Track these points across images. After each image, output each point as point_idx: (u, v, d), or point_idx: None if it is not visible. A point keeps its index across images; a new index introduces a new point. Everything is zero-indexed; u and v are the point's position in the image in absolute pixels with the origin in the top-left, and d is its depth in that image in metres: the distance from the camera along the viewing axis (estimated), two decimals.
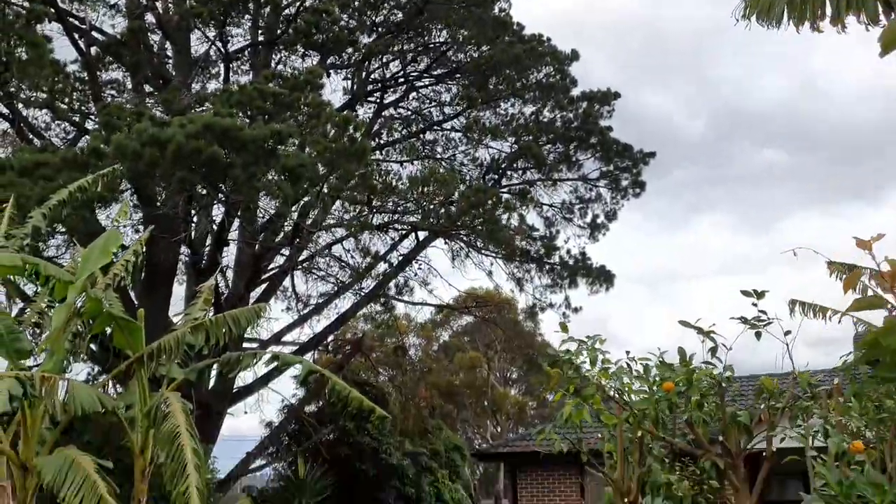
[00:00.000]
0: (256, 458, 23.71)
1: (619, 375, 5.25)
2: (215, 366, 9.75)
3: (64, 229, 15.43)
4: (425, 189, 19.64)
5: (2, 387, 6.40)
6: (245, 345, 19.48)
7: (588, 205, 23.70)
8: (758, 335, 5.18)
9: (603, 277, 22.85)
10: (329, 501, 20.51)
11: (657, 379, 5.12)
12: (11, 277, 11.18)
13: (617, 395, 5.39)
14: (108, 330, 9.10)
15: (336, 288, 24.42)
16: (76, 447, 8.12)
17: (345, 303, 24.28)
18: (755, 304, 5.19)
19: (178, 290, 21.62)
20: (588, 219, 23.77)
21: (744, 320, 5.16)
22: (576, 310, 23.77)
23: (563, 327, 6.00)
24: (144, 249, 18.07)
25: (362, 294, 23.75)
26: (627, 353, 5.44)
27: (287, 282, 24.04)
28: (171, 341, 8.52)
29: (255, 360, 9.20)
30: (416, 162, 23.24)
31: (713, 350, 5.13)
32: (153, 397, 8.49)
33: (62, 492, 7.12)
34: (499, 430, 45.95)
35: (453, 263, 24.60)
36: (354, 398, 9.17)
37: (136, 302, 17.54)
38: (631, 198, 23.34)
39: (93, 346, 18.48)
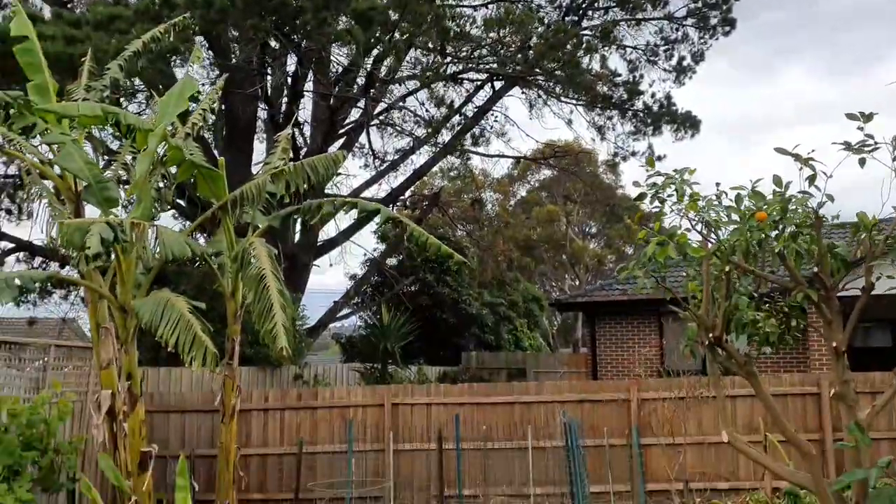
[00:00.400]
0: (343, 307, 24.68)
1: (708, 208, 4.99)
2: (299, 218, 9.90)
3: (142, 83, 15.55)
4: (501, 32, 18.77)
5: (94, 230, 6.63)
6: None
7: (674, 46, 22.33)
8: (861, 162, 4.79)
9: (688, 123, 21.92)
10: (412, 346, 21.35)
11: (749, 209, 4.84)
12: (96, 133, 11.45)
13: (705, 229, 5.15)
14: (192, 181, 9.28)
15: (412, 143, 24.29)
16: None
17: (421, 158, 24.23)
18: (861, 128, 4.77)
19: (260, 147, 21.96)
20: (674, 61, 22.48)
21: (847, 145, 4.77)
22: (659, 158, 23.03)
23: (650, 161, 5.72)
24: (221, 99, 18.17)
25: (438, 147, 23.56)
26: (717, 184, 5.14)
27: (363, 138, 24.03)
28: (252, 189, 8.63)
29: (334, 207, 9.27)
30: (490, 5, 22.14)
31: (811, 178, 4.78)
32: (239, 243, 8.72)
33: (159, 330, 7.50)
34: (577, 283, 46.31)
35: (531, 113, 23.97)
36: (432, 244, 9.23)
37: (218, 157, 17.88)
38: (720, 37, 21.83)
39: (180, 202, 19.14)
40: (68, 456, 8.17)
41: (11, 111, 7.74)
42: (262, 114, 21.01)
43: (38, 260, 20.39)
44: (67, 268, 16.30)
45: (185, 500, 8.09)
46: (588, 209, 44.52)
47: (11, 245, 20.54)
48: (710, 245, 5.15)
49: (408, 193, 26.82)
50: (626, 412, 11.92)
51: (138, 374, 8.32)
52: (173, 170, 8.99)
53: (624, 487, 11.06)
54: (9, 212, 20.42)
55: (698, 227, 5.18)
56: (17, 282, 7.28)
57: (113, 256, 8.07)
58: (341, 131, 21.25)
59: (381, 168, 24.60)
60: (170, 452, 10.90)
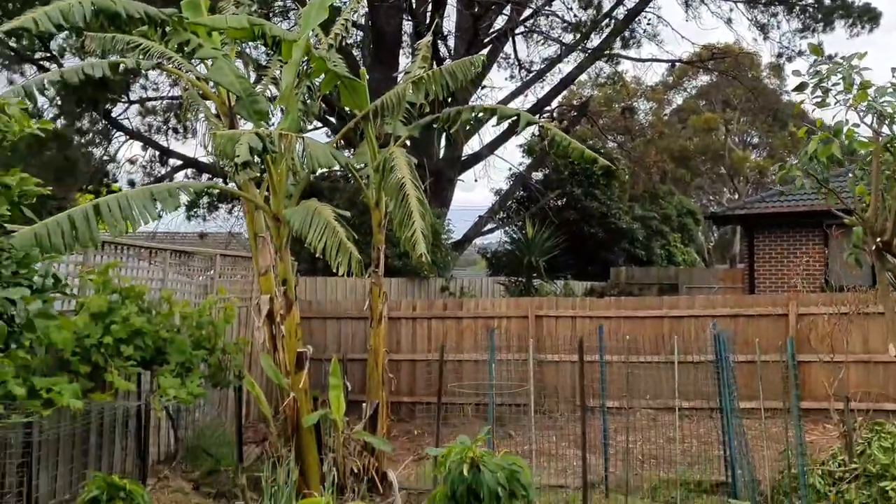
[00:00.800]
0: (488, 222, 24.81)
1: (880, 97, 4.46)
2: (439, 129, 9.84)
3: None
4: None
5: (243, 140, 6.89)
6: None
7: None
8: None
9: (866, 17, 19.78)
10: (558, 260, 21.15)
11: None
12: (248, 50, 11.82)
13: (876, 122, 4.63)
14: (336, 93, 9.42)
15: (559, 50, 23.49)
16: None
17: (568, 67, 23.45)
18: None
19: (405, 62, 22.03)
20: None
21: None
22: (830, 57, 20.97)
23: (815, 50, 5.18)
24: (367, 15, 18.16)
25: (586, 53, 22.65)
26: (893, 70, 4.57)
27: (508, 47, 23.49)
28: (392, 98, 8.64)
29: (473, 114, 9.14)
30: None
31: None
32: (381, 153, 8.83)
33: (308, 237, 7.81)
34: (736, 196, 44.01)
35: (686, 13, 22.56)
36: (575, 148, 8.94)
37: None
38: None
39: (330, 118, 19.62)
40: (234, 355, 8.79)
41: (167, 28, 8.09)
42: (407, 27, 20.99)
43: (204, 177, 21.81)
44: (231, 184, 17.30)
45: (338, 398, 8.56)
46: (749, 117, 41.82)
47: (180, 162, 22.07)
48: (881, 139, 4.64)
49: (554, 104, 26.18)
50: (782, 327, 11.34)
51: (293, 279, 8.75)
52: (318, 81, 9.14)
53: (777, 404, 10.59)
54: (175, 130, 21.86)
55: (868, 120, 4.66)
56: (182, 194, 7.74)
57: (265, 170, 8.40)
58: (486, 40, 20.88)
59: (527, 78, 24.07)
60: (326, 356, 11.51)
